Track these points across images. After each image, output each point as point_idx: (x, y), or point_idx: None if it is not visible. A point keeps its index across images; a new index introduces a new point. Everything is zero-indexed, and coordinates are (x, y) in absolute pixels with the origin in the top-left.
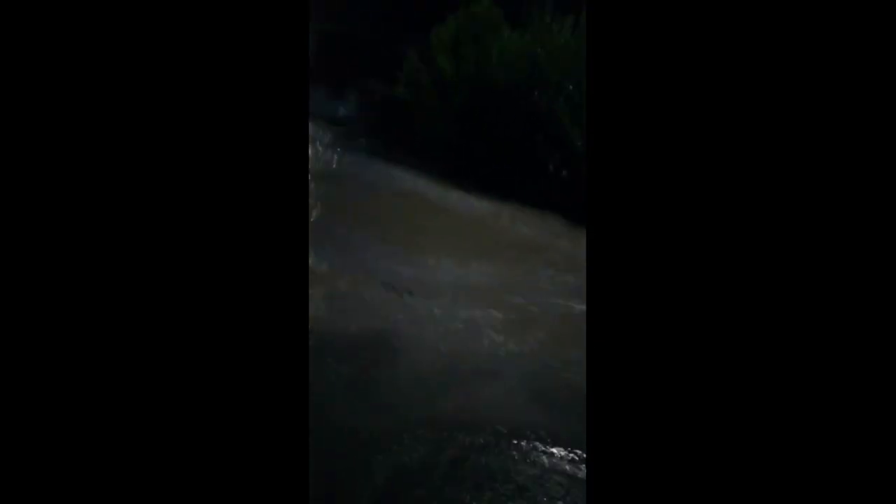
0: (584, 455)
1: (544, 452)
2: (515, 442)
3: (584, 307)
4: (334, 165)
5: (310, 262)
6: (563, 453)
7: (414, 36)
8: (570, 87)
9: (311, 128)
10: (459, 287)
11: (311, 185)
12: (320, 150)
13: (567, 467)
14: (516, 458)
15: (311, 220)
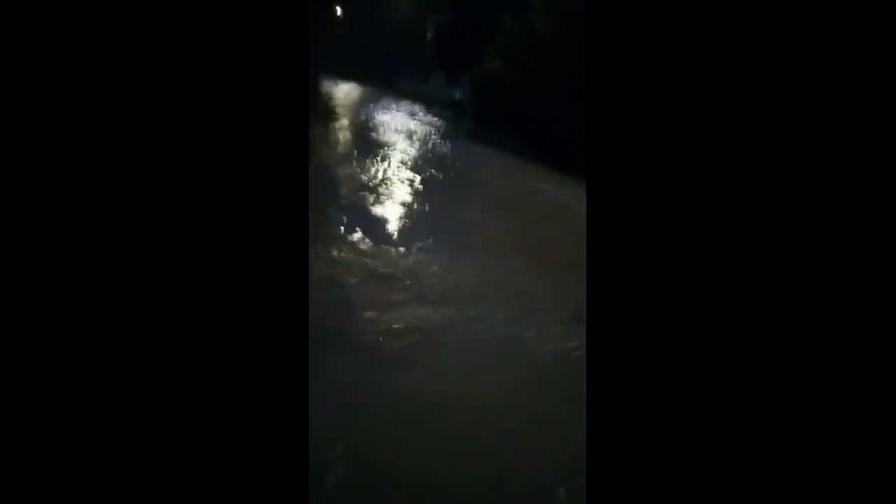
0: None
1: None
2: None
3: None
4: (433, 151)
5: None
6: None
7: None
8: None
9: (425, 114)
10: None
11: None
12: (426, 138)
13: None
14: None
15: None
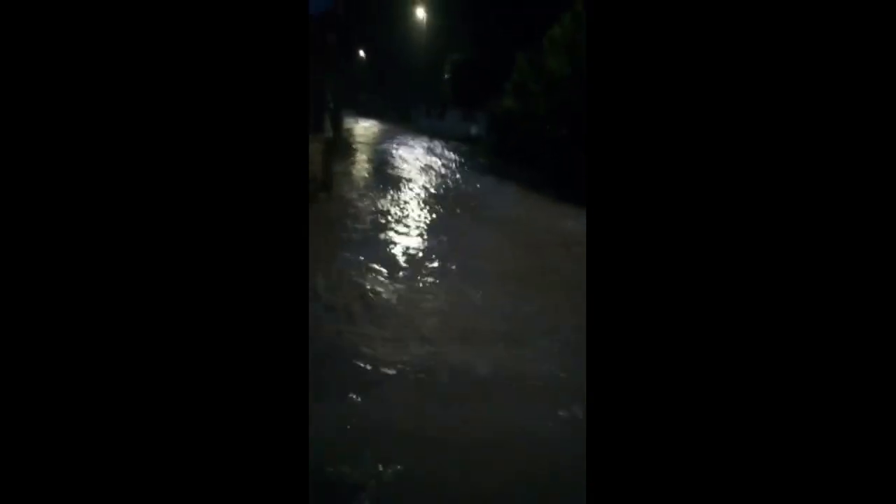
0: None
1: None
2: None
3: None
4: (450, 185)
5: None
6: None
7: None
8: None
9: (443, 150)
10: None
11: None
12: (443, 171)
13: None
14: None
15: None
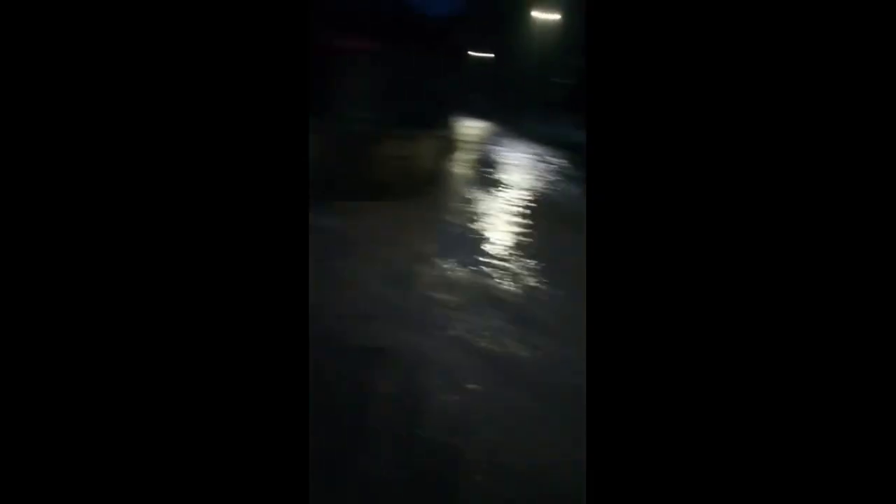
0: None
1: None
2: None
3: None
4: (560, 199)
5: None
6: None
7: None
8: None
9: (551, 156)
10: None
11: None
12: (549, 178)
13: None
14: None
15: None
